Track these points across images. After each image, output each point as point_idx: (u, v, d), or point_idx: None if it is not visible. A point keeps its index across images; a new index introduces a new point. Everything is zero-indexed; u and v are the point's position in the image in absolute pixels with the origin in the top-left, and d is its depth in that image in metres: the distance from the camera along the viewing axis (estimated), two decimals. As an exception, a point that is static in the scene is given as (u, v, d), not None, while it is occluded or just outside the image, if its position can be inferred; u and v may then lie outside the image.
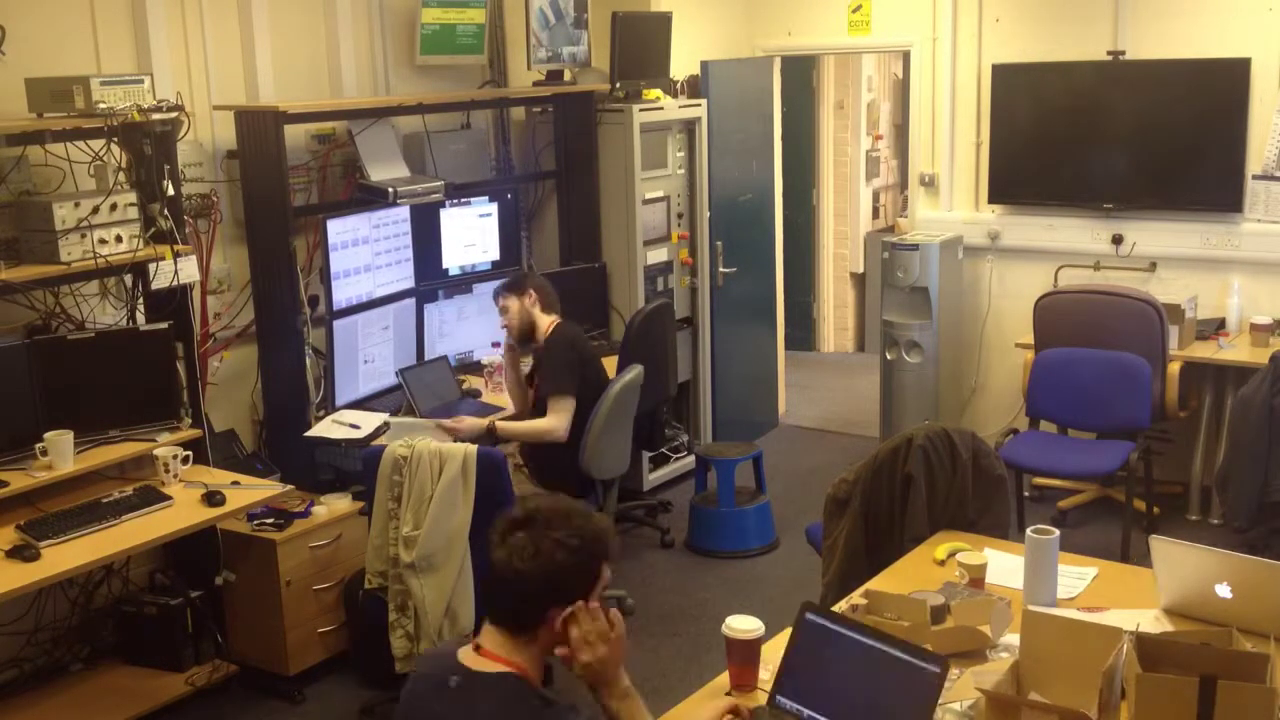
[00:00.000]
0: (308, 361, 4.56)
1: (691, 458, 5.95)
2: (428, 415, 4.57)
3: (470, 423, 4.36)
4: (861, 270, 8.49)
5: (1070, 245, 5.96)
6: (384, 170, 4.97)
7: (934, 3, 6.17)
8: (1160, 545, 2.77)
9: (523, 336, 4.57)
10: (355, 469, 4.46)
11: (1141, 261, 5.80)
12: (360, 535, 4.12)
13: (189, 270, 4.02)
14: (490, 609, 2.14)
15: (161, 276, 3.90)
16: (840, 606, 2.79)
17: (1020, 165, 6.02)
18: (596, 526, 2.13)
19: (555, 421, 4.34)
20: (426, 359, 5.06)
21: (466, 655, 2.10)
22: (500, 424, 4.41)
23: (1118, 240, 5.83)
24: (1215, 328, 5.47)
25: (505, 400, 4.78)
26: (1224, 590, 2.64)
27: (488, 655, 2.08)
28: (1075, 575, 2.99)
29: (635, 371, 4.60)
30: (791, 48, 6.75)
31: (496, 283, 4.76)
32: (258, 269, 4.59)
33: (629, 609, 4.65)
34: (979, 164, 6.19)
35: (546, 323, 4.54)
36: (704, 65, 6.16)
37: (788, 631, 2.46)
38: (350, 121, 4.97)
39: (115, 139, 3.82)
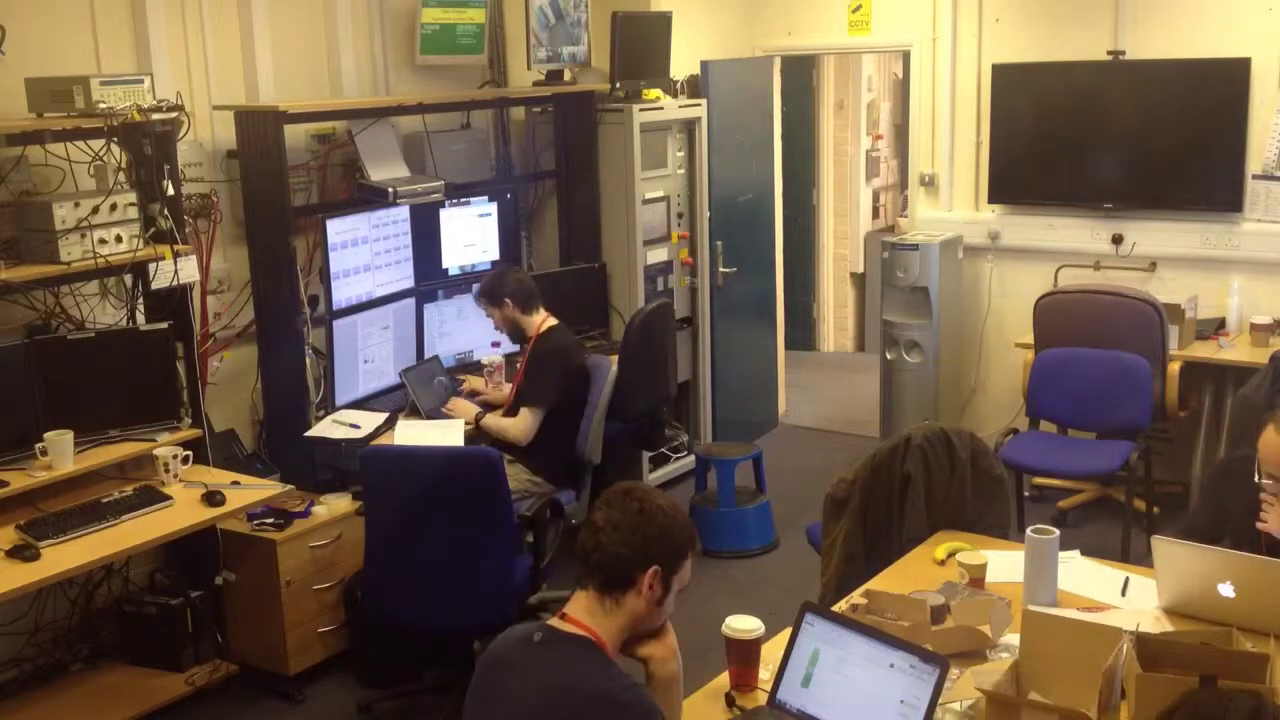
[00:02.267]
0: (308, 361, 4.56)
1: (691, 458, 5.95)
2: (429, 416, 4.61)
3: (463, 408, 4.63)
4: (861, 270, 8.49)
5: (1070, 245, 5.96)
6: (384, 170, 4.97)
7: (934, 3, 6.17)
8: (1162, 545, 2.77)
9: (515, 339, 4.71)
10: (355, 469, 4.46)
11: (1141, 261, 5.80)
12: (360, 535, 4.11)
13: (189, 270, 4.02)
14: (584, 569, 2.21)
15: (161, 276, 3.90)
16: (840, 606, 2.79)
17: (1020, 165, 6.02)
18: (688, 517, 2.27)
19: (521, 429, 4.46)
20: (425, 359, 5.06)
21: (552, 620, 2.22)
22: (486, 419, 4.57)
23: (1118, 240, 5.83)
24: (1215, 327, 5.47)
25: (500, 396, 4.83)
26: (1227, 590, 2.64)
27: (571, 621, 2.18)
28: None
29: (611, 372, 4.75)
30: (791, 48, 6.75)
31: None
32: (258, 269, 4.58)
33: None
34: (979, 164, 6.18)
35: (535, 323, 4.62)
36: (704, 65, 6.16)
37: (788, 631, 2.47)
38: (350, 121, 4.97)
39: (115, 139, 3.82)
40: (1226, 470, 3.28)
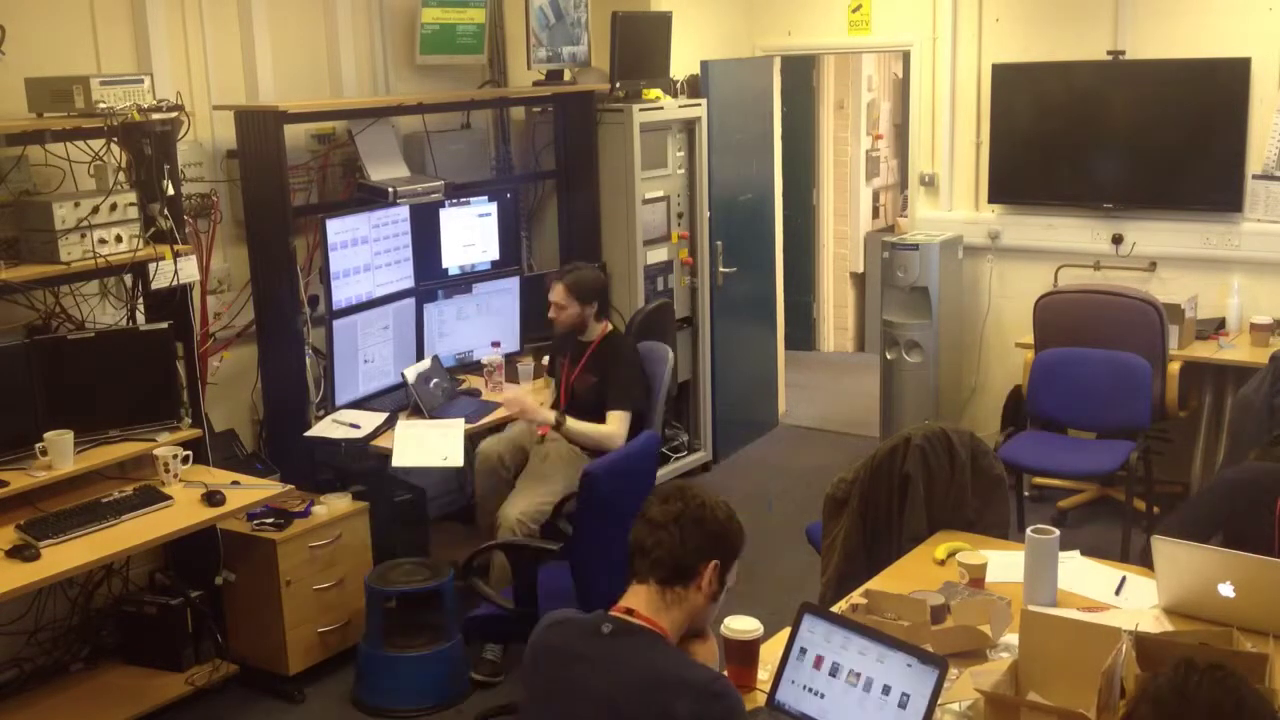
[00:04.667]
0: (308, 361, 4.56)
1: (692, 457, 5.94)
2: (436, 416, 4.59)
3: (542, 414, 4.45)
4: (861, 270, 8.49)
5: (1070, 245, 5.96)
6: (384, 170, 4.97)
7: (934, 3, 6.17)
8: (1162, 545, 2.77)
9: (568, 331, 4.59)
10: (355, 468, 4.46)
11: (1141, 261, 5.80)
12: (360, 535, 4.12)
13: (189, 270, 4.02)
14: (646, 563, 2.24)
15: (161, 276, 3.90)
16: (840, 606, 2.79)
17: (1020, 165, 6.02)
18: (737, 517, 2.33)
19: (618, 431, 4.35)
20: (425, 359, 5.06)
21: (613, 612, 2.24)
22: (571, 423, 4.39)
23: (1118, 240, 5.83)
24: (1215, 327, 5.47)
25: (497, 397, 4.81)
26: (1227, 589, 2.64)
27: (637, 616, 2.21)
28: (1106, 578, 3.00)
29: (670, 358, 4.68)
30: (791, 48, 6.75)
31: (498, 282, 4.78)
32: (258, 269, 4.59)
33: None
34: (979, 164, 6.18)
35: (599, 329, 4.57)
36: (704, 65, 6.16)
37: (787, 631, 2.46)
38: (350, 121, 4.97)
39: (115, 139, 3.82)
40: (1250, 482, 3.13)
